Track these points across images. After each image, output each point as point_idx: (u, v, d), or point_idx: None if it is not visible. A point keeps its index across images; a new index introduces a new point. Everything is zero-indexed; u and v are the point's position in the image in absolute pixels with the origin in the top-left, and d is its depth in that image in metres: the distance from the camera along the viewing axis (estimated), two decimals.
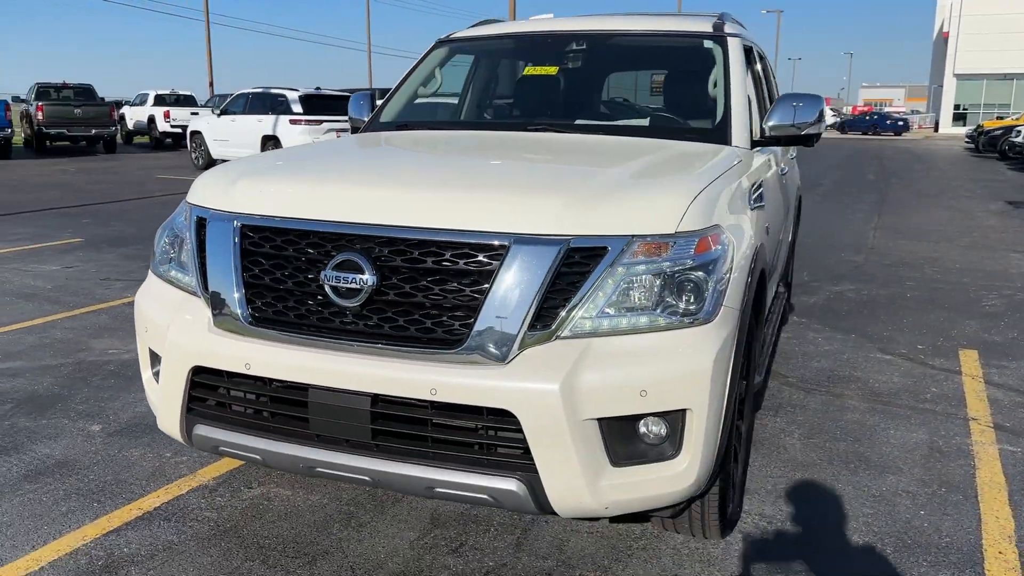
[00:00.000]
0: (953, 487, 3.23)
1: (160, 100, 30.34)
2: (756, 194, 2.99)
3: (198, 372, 2.43)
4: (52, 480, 3.18)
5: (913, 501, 3.11)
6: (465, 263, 2.18)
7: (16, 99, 27.19)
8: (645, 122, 3.55)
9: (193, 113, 24.93)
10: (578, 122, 3.49)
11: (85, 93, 24.47)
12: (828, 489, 3.19)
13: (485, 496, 2.18)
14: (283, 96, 16.31)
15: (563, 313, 2.13)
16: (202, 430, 2.46)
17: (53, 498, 3.04)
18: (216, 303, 2.41)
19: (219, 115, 17.53)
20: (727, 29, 3.72)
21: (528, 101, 3.79)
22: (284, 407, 2.35)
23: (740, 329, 2.35)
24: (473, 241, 2.18)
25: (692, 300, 2.21)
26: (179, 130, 25.38)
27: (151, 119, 28.92)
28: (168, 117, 27.16)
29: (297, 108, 15.95)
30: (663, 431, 2.20)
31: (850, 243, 9.16)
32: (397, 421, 2.21)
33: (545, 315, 2.14)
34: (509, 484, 2.14)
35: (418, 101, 3.99)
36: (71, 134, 22.95)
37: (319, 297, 2.29)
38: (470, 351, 2.14)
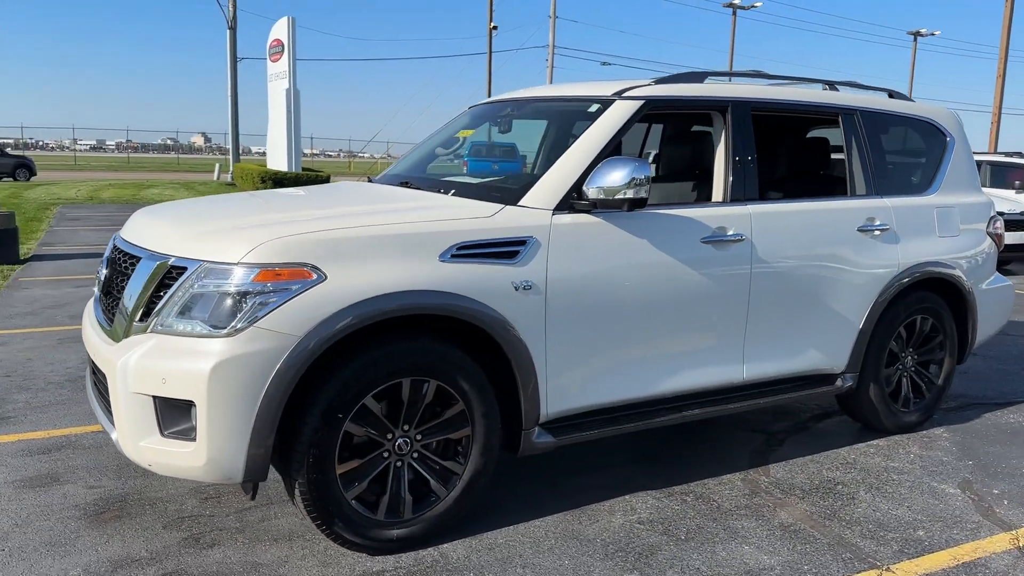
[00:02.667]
0: None
1: None
2: (482, 251, 3.09)
3: None
4: None
5: None
6: (130, 269, 3.07)
7: None
8: (474, 181, 3.75)
9: None
10: (445, 179, 3.88)
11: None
12: (536, 565, 3.06)
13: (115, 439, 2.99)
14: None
15: (156, 312, 2.87)
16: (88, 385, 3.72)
17: None
18: None
19: None
20: (635, 93, 3.67)
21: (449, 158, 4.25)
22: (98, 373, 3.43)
23: (304, 350, 2.73)
24: (132, 253, 3.09)
25: (227, 316, 2.73)
26: None
27: None
28: None
29: None
30: (195, 416, 2.75)
31: None
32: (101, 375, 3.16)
33: (149, 312, 2.90)
34: (114, 433, 2.94)
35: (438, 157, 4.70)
36: None
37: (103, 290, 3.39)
38: (116, 330, 3.02)
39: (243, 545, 3.12)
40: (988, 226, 4.91)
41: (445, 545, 3.16)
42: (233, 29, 32.68)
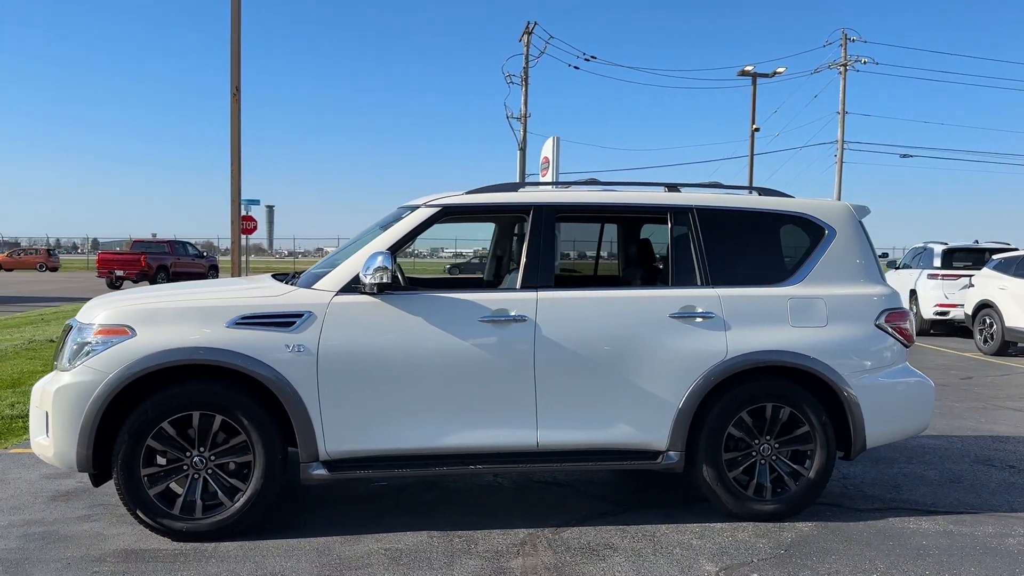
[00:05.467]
0: None
1: None
2: (261, 320, 4.21)
3: None
4: None
5: None
6: None
7: None
8: (317, 271, 4.79)
9: None
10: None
11: None
12: (266, 563, 3.96)
13: None
14: (929, 249, 15.93)
15: (59, 356, 4.39)
16: None
17: None
18: None
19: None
20: (436, 201, 4.59)
21: None
22: None
23: (111, 383, 4.05)
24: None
25: (75, 357, 4.16)
26: None
27: None
28: None
29: (937, 262, 15.35)
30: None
31: None
32: None
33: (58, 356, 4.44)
34: None
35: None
36: None
37: None
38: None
39: (108, 523, 4.45)
40: (879, 319, 4.79)
41: (224, 543, 4.19)
42: (523, 150, 36.75)
